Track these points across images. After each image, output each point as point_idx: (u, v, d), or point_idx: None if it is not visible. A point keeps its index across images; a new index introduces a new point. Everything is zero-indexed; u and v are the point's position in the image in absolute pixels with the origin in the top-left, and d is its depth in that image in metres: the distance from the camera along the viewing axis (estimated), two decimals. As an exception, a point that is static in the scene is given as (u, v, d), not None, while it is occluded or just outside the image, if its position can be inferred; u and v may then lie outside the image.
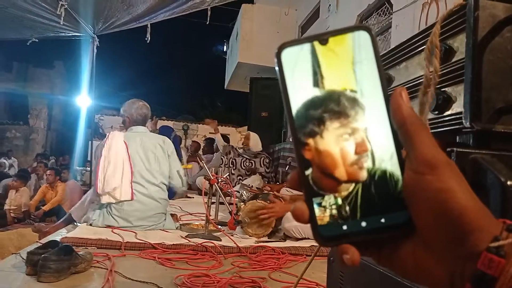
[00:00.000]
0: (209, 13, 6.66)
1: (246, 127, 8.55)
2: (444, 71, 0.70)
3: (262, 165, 4.94)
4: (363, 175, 0.33)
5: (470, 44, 0.63)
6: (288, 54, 0.33)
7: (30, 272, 1.57)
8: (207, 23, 6.73)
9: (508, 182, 0.54)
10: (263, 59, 7.93)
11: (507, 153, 0.61)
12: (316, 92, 0.33)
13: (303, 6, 7.72)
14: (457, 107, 0.68)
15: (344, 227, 0.33)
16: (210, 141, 7.39)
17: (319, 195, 0.33)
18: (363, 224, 0.32)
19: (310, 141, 0.33)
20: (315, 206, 0.33)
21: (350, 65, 0.33)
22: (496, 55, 0.63)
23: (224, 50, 11.37)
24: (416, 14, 3.57)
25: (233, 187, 3.25)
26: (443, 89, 0.71)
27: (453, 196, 0.30)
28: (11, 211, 6.40)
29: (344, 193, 0.33)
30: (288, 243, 2.35)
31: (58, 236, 2.27)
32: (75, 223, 2.84)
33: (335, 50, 0.33)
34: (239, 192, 3.02)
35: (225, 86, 11.05)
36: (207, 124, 5.78)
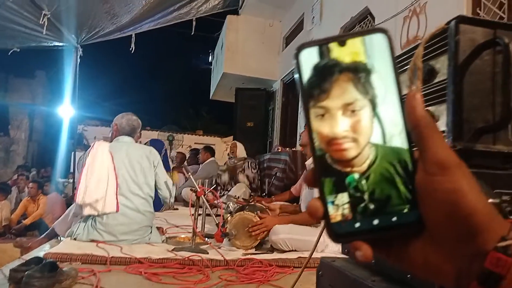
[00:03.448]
0: (194, 23, 6.70)
1: (231, 137, 8.55)
2: (427, 91, 0.72)
3: (249, 167, 5.00)
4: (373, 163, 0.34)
5: (451, 66, 0.66)
6: (306, 55, 0.34)
7: (13, 290, 1.53)
8: (192, 33, 6.76)
9: (489, 200, 0.57)
10: (248, 69, 7.99)
11: (487, 170, 0.64)
12: (334, 92, 0.34)
13: (287, 18, 7.83)
14: (440, 126, 0.70)
15: (357, 225, 0.34)
16: (195, 152, 7.35)
17: (333, 194, 0.34)
18: (375, 222, 0.34)
19: (325, 136, 0.34)
20: (329, 204, 0.34)
21: (367, 67, 0.34)
22: (476, 77, 0.66)
23: (210, 60, 11.39)
24: (398, 27, 3.66)
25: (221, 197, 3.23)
26: (426, 108, 0.74)
27: (463, 197, 0.31)
28: (-10, 225, 6.22)
29: (358, 191, 0.34)
30: (276, 255, 2.35)
31: (41, 251, 2.23)
32: (58, 238, 2.78)
33: (352, 51, 0.34)
34: (225, 204, 3.01)
35: (211, 96, 11.06)
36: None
